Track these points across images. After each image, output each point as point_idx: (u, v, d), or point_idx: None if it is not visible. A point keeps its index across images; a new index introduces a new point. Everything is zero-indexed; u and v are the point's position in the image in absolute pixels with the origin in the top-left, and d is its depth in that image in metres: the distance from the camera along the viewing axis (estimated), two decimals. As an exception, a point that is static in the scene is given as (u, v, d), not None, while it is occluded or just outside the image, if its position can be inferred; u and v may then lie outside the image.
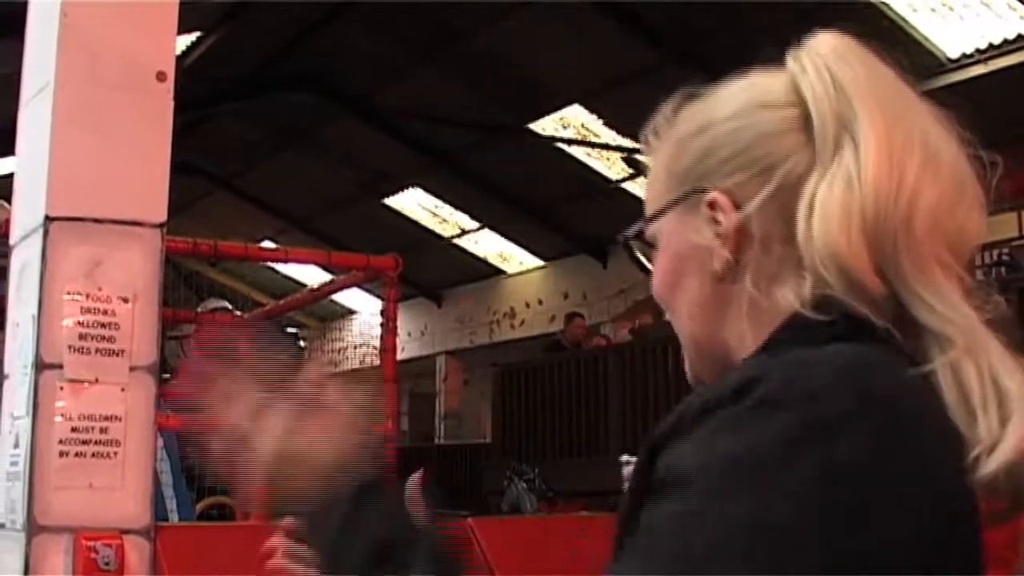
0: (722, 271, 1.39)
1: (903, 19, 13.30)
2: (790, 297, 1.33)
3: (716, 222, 1.39)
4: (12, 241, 2.81)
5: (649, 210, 1.50)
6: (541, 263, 22.27)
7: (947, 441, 1.25)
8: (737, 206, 1.38)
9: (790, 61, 1.44)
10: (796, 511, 1.14)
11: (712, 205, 1.39)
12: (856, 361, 1.25)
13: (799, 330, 1.33)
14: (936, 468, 1.23)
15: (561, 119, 17.71)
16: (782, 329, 1.35)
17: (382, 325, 5.86)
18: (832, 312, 1.30)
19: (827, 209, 1.31)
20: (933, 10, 13.37)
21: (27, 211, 2.74)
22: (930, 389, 1.27)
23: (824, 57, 1.42)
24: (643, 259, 1.54)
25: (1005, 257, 13.80)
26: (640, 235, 1.53)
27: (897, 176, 1.32)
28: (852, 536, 1.15)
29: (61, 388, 2.63)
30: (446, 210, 21.80)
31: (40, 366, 2.62)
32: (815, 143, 1.36)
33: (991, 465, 1.24)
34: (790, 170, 1.36)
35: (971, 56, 13.61)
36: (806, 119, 1.38)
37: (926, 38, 13.54)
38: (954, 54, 13.68)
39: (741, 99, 1.45)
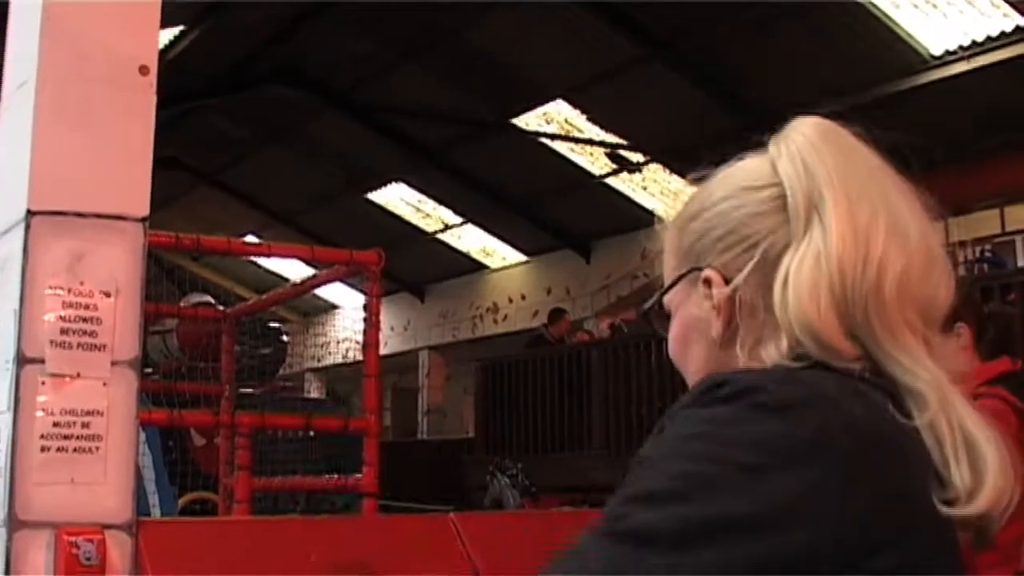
0: (718, 338, 1.55)
1: (887, 16, 13.33)
2: (773, 355, 1.47)
3: (710, 296, 1.55)
4: (-6, 235, 2.80)
5: (665, 284, 1.66)
6: (524, 258, 22.29)
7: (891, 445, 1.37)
8: (727, 281, 1.54)
9: (771, 145, 1.57)
10: (720, 470, 1.29)
11: (707, 282, 1.56)
12: (816, 373, 1.42)
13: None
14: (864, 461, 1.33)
15: (545, 114, 17.72)
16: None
17: (365, 320, 5.86)
18: (807, 362, 1.44)
19: (798, 282, 1.46)
20: (916, 7, 13.40)
21: (9, 205, 2.73)
22: (894, 421, 1.40)
23: (798, 144, 1.54)
24: (659, 328, 1.68)
25: (988, 254, 13.86)
26: (659, 305, 1.67)
27: (863, 250, 1.45)
28: (746, 494, 1.28)
29: (43, 383, 2.62)
30: (429, 205, 21.80)
31: (22, 361, 2.61)
32: (791, 223, 1.51)
33: (971, 509, 1.38)
34: (770, 246, 1.51)
35: (954, 53, 13.64)
36: (784, 199, 1.52)
37: (910, 35, 13.57)
38: (937, 51, 13.71)
39: (730, 183, 1.59)
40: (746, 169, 1.60)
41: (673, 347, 1.66)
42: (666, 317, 1.66)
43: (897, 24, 13.44)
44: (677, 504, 1.28)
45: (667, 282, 1.65)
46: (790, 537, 1.27)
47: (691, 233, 1.61)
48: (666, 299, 1.65)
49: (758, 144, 1.59)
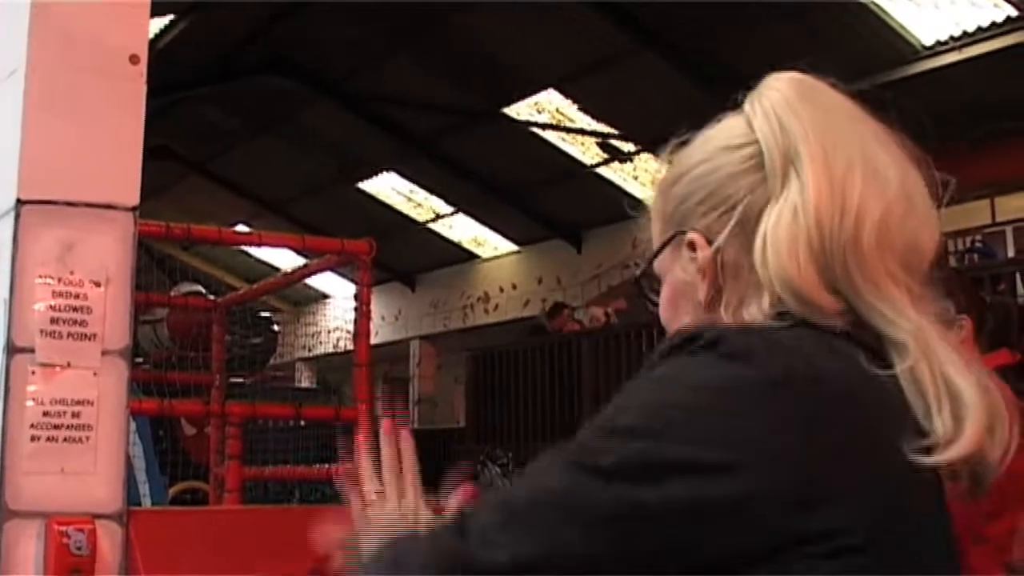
0: (705, 300, 1.56)
1: (878, 6, 13.33)
2: (756, 315, 1.49)
3: (695, 259, 1.57)
4: (-17, 224, 2.79)
5: (653, 251, 1.67)
6: (515, 248, 22.27)
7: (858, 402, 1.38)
8: (710, 243, 1.55)
9: (746, 104, 1.59)
10: (682, 412, 1.33)
11: (691, 245, 1.57)
12: (791, 331, 1.44)
13: None
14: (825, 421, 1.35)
15: (536, 104, 17.69)
16: None
17: (356, 309, 5.85)
18: (790, 320, 1.46)
19: (776, 239, 1.47)
20: (908, -3, 13.40)
21: (-2, 194, 2.72)
22: (875, 377, 1.41)
23: (772, 100, 1.55)
24: (650, 294, 1.70)
25: (978, 244, 13.87)
26: (648, 271, 1.69)
27: (840, 201, 1.46)
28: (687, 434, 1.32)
29: (33, 372, 2.62)
30: (420, 194, 21.77)
31: (11, 350, 2.60)
32: (768, 180, 1.52)
33: (950, 454, 1.38)
34: (750, 205, 1.52)
35: (945, 43, 13.64)
36: (761, 157, 1.53)
37: (901, 25, 13.57)
38: (929, 41, 13.71)
39: (708, 145, 1.61)
40: (723, 129, 1.61)
41: (663, 311, 1.67)
42: (657, 283, 1.68)
43: (889, 14, 13.44)
44: (639, 440, 1.32)
45: (654, 248, 1.66)
46: (743, 477, 1.29)
47: (674, 198, 1.62)
48: (655, 265, 1.67)
49: (735, 104, 1.61)
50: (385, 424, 1.88)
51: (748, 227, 1.51)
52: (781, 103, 1.55)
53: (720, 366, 1.36)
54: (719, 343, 1.38)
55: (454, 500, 1.77)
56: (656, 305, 1.70)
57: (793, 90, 1.56)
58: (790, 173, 1.50)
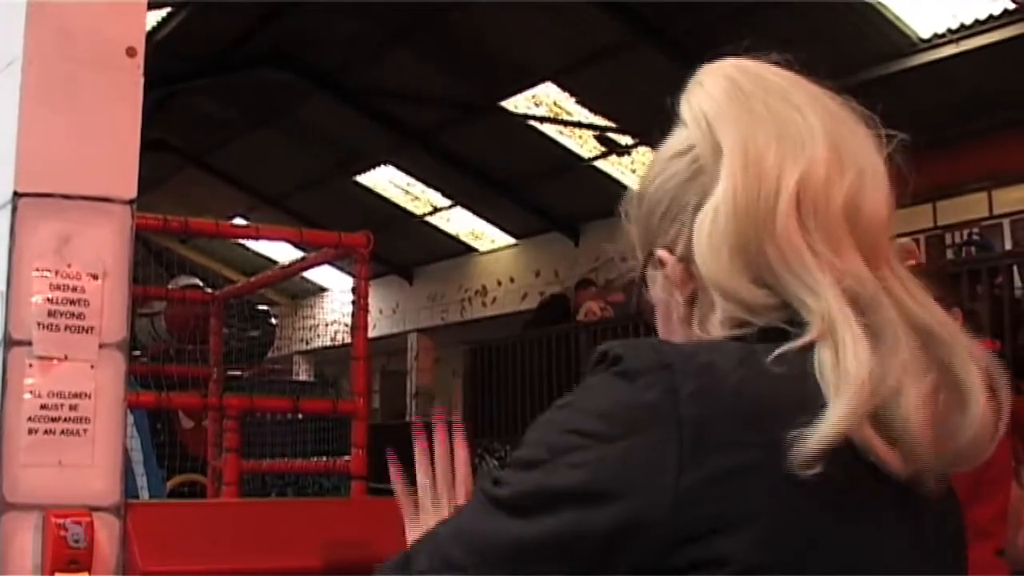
0: (685, 318, 1.53)
1: (880, 2, 13.32)
2: (716, 329, 1.45)
3: (667, 276, 1.54)
4: (-20, 217, 2.79)
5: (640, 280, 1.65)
6: (513, 241, 22.28)
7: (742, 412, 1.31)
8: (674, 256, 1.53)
9: (682, 104, 1.56)
10: (567, 439, 1.32)
11: (660, 262, 1.55)
12: (707, 344, 1.42)
13: None
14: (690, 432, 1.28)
15: (533, 97, 17.69)
16: None
17: (353, 303, 5.85)
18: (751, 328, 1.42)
19: (699, 241, 1.44)
20: (906, -10, 13.40)
21: (-5, 187, 2.72)
22: (782, 375, 1.34)
23: (698, 99, 1.53)
24: (652, 322, 1.67)
25: (975, 237, 13.87)
26: (644, 301, 1.65)
27: (756, 183, 1.41)
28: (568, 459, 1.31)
29: (30, 365, 2.62)
30: (418, 188, 21.77)
31: (8, 343, 2.60)
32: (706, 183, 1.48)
33: (808, 444, 1.28)
34: (697, 207, 1.48)
35: (943, 36, 13.64)
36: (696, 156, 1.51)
37: (898, 17, 13.56)
38: (926, 34, 13.71)
39: (662, 153, 1.58)
40: (672, 136, 1.57)
41: (660, 335, 1.62)
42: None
43: (886, 7, 13.43)
44: (532, 471, 1.33)
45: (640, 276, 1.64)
46: (621, 508, 1.27)
47: (643, 216, 1.60)
48: (649, 293, 1.63)
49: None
50: (439, 433, 1.93)
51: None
52: (706, 99, 1.51)
53: (613, 387, 1.33)
54: (619, 361, 1.35)
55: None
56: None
57: (717, 82, 1.53)
58: (719, 170, 1.45)
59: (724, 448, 1.28)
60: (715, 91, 1.51)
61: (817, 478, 1.27)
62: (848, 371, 1.32)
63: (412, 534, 1.83)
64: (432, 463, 1.93)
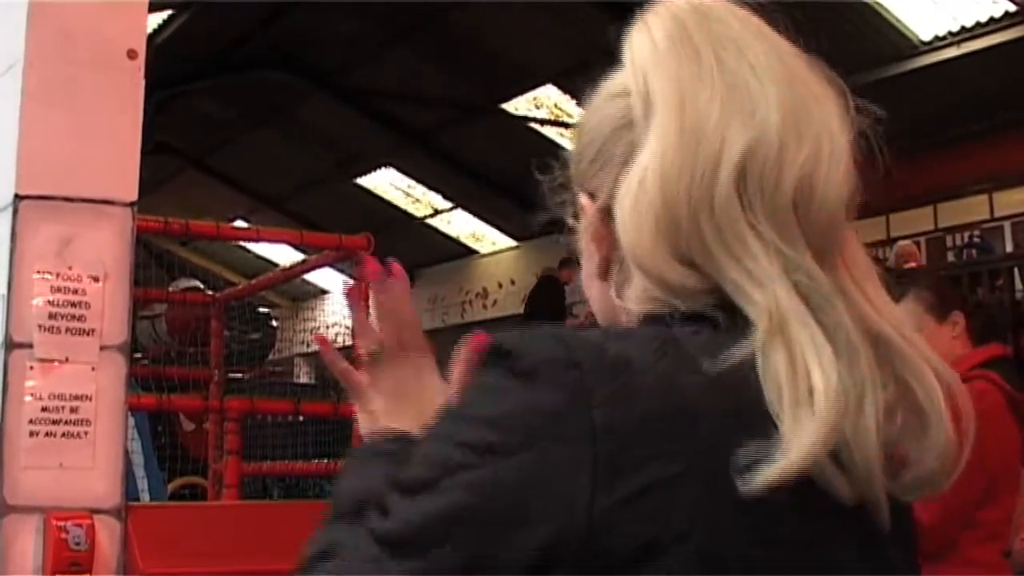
0: (599, 272, 1.35)
1: (876, 1, 13.33)
2: (632, 301, 1.26)
3: (587, 226, 1.36)
4: (-19, 219, 2.80)
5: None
6: (514, 243, 22.27)
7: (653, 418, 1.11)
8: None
9: (624, 42, 1.36)
10: (457, 454, 1.12)
11: (583, 204, 1.37)
12: (619, 332, 1.23)
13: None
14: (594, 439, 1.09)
15: (534, 99, 17.70)
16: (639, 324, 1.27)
17: (354, 305, 5.84)
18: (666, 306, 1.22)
19: (622, 208, 1.24)
20: (907, -7, 13.40)
21: (-4, 189, 2.72)
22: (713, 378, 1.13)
23: (638, 41, 1.33)
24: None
25: (976, 239, 13.87)
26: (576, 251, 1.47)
27: (692, 149, 1.20)
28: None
29: (31, 367, 2.62)
30: (419, 190, 21.77)
31: (9, 345, 2.60)
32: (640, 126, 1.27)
33: (769, 473, 1.09)
34: (623, 162, 1.28)
35: (944, 39, 13.65)
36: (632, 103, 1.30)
37: (899, 20, 13.57)
38: (927, 36, 13.72)
39: (600, 91, 1.39)
40: (612, 75, 1.38)
41: (586, 293, 1.42)
42: None
43: (887, 9, 13.44)
44: (418, 497, 1.12)
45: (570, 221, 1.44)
46: (525, 536, 1.08)
47: (574, 159, 1.40)
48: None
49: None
50: (369, 266, 1.64)
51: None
52: (646, 43, 1.30)
53: (507, 389, 1.12)
54: (514, 356, 1.13)
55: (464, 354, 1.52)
56: None
57: (663, 24, 1.30)
58: (650, 127, 1.24)
59: (646, 461, 1.09)
60: (658, 34, 1.29)
61: (758, 497, 1.09)
62: (815, 386, 1.12)
63: (364, 418, 1.57)
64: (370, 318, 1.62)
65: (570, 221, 1.45)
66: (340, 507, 1.34)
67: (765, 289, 1.16)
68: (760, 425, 1.11)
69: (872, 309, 1.22)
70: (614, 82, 1.36)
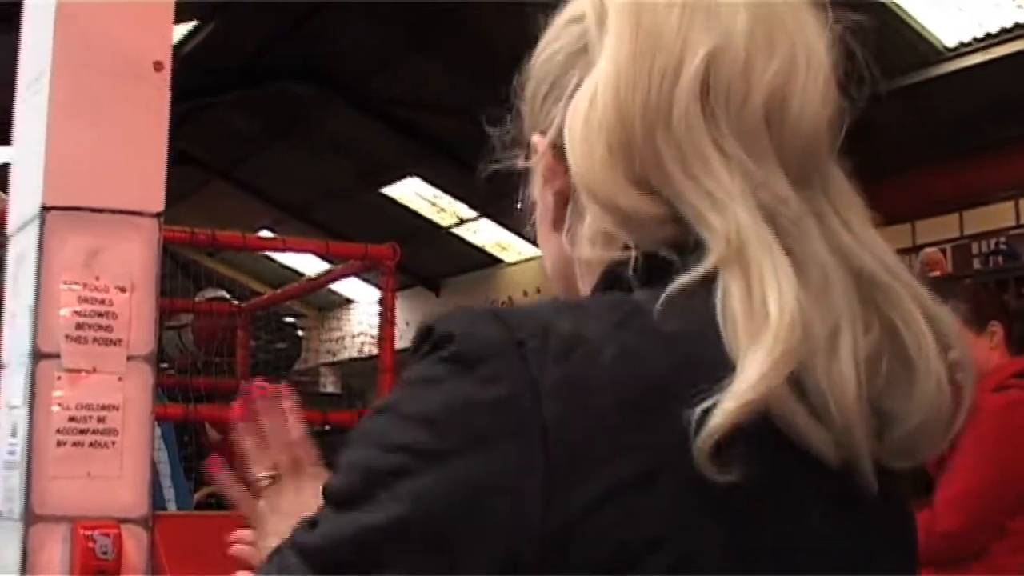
0: (555, 222, 1.21)
1: (900, 7, 13.30)
2: (585, 245, 1.13)
3: (538, 168, 1.23)
4: (9, 231, 2.81)
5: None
6: (539, 252, 22.26)
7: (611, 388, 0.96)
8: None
9: None
10: (390, 459, 0.98)
11: (533, 150, 1.23)
12: (568, 303, 1.07)
13: (598, 288, 1.12)
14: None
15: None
16: (596, 287, 1.14)
17: (380, 315, 5.86)
18: (618, 251, 1.08)
19: (571, 130, 1.11)
20: (931, -1, 13.37)
21: (24, 200, 2.73)
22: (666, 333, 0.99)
23: None
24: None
25: (1003, 246, 13.82)
26: (527, 203, 1.33)
27: (648, 59, 1.07)
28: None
29: (58, 378, 2.63)
30: (444, 199, 21.78)
31: (37, 356, 2.61)
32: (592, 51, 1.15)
33: (716, 418, 0.94)
34: (576, 89, 1.15)
35: (969, 45, 13.60)
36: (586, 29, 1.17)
37: (924, 27, 13.53)
38: (952, 43, 13.67)
39: (553, 24, 1.26)
40: (570, 3, 1.24)
41: (542, 254, 1.30)
42: None
43: (911, 16, 13.41)
44: (346, 511, 0.99)
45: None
46: (468, 555, 0.94)
47: (528, 95, 1.27)
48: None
49: None
50: (255, 389, 1.53)
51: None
52: None
53: (443, 380, 0.98)
54: (449, 341, 0.99)
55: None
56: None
57: None
58: (602, 43, 1.12)
59: (608, 458, 0.95)
60: None
61: (730, 477, 0.94)
62: (768, 312, 0.97)
63: (265, 543, 1.47)
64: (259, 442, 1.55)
65: (522, 168, 1.30)
66: None
67: (725, 211, 1.02)
68: (721, 373, 0.96)
69: (854, 240, 1.07)
70: (568, 9, 1.24)
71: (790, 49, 1.10)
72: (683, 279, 1.01)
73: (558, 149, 1.15)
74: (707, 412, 0.94)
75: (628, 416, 0.96)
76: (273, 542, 1.31)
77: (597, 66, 1.10)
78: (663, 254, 1.04)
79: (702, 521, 0.95)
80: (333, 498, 1.02)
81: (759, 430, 0.95)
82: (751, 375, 0.94)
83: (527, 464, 0.94)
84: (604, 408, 0.95)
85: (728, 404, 0.93)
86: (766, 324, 0.97)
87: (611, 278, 1.09)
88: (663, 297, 1.00)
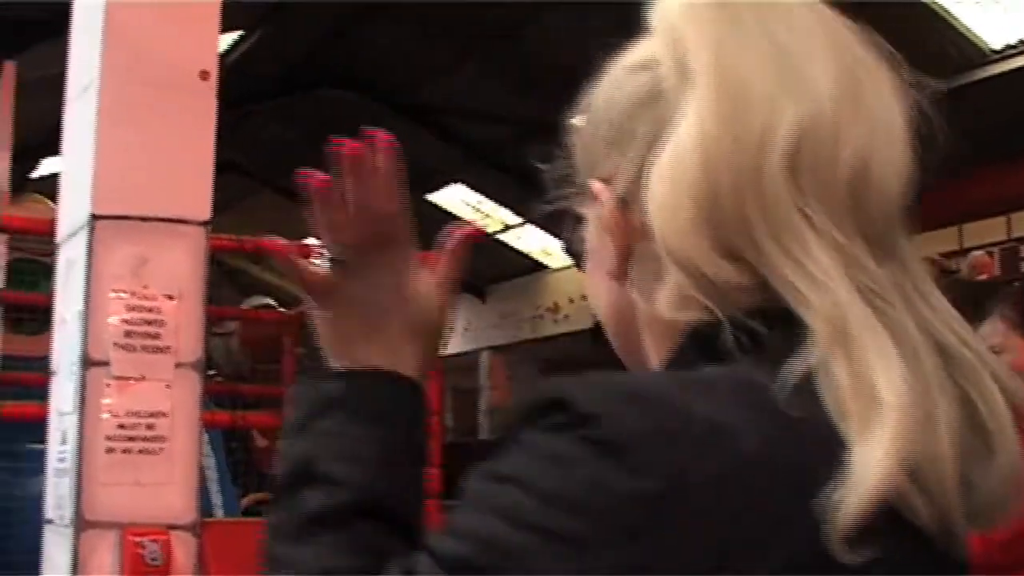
0: (615, 274, 1.18)
1: (946, 10, 13.24)
2: (662, 304, 1.08)
3: (600, 216, 1.18)
4: (58, 239, 2.84)
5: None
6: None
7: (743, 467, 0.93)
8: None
9: (652, 8, 1.19)
10: (528, 539, 0.91)
11: (594, 198, 1.18)
12: (695, 384, 1.00)
13: (685, 349, 1.08)
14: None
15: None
16: (674, 349, 1.10)
17: (425, 321, 5.86)
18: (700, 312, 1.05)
19: (655, 192, 1.06)
20: (976, 1, 13.29)
21: (73, 209, 2.76)
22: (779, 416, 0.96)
23: (669, 4, 1.16)
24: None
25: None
26: (576, 247, 1.31)
27: (736, 123, 1.04)
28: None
29: (108, 385, 2.64)
30: (489, 206, 21.79)
31: (87, 363, 2.63)
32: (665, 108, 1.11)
33: (849, 506, 0.92)
34: (651, 145, 1.10)
35: (1015, 47, 13.53)
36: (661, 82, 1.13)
37: (968, 29, 13.48)
38: (997, 45, 13.61)
39: (617, 64, 1.23)
40: (633, 48, 1.22)
41: (590, 297, 1.28)
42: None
43: (956, 18, 13.35)
44: None
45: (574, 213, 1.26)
46: None
47: (586, 133, 1.24)
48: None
49: None
50: (349, 144, 1.37)
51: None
52: (681, 9, 1.14)
53: (588, 464, 0.91)
54: (593, 422, 0.93)
55: (451, 241, 1.38)
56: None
57: None
58: (684, 97, 1.08)
59: (758, 552, 0.91)
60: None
61: (862, 558, 0.92)
62: (878, 396, 0.95)
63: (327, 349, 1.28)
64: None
65: (574, 213, 1.27)
66: (287, 477, 1.14)
67: (824, 290, 0.99)
68: (842, 458, 0.94)
69: (934, 314, 1.06)
70: (637, 53, 1.20)
71: (871, 115, 1.07)
72: (795, 363, 0.98)
73: (625, 203, 1.13)
74: (836, 499, 0.92)
75: (773, 507, 0.93)
76: (333, 349, 1.24)
77: (680, 125, 1.06)
78: (753, 325, 1.02)
79: None
80: (446, 563, 0.94)
81: (880, 511, 0.93)
82: (873, 461, 0.93)
83: (682, 560, 0.89)
84: (754, 502, 0.92)
85: (857, 491, 0.91)
86: (877, 409, 0.95)
87: (698, 342, 1.07)
88: (781, 381, 0.97)
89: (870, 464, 0.92)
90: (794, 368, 0.97)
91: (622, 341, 1.22)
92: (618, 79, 1.20)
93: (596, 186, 1.17)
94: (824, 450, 0.95)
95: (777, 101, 1.03)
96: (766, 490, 0.92)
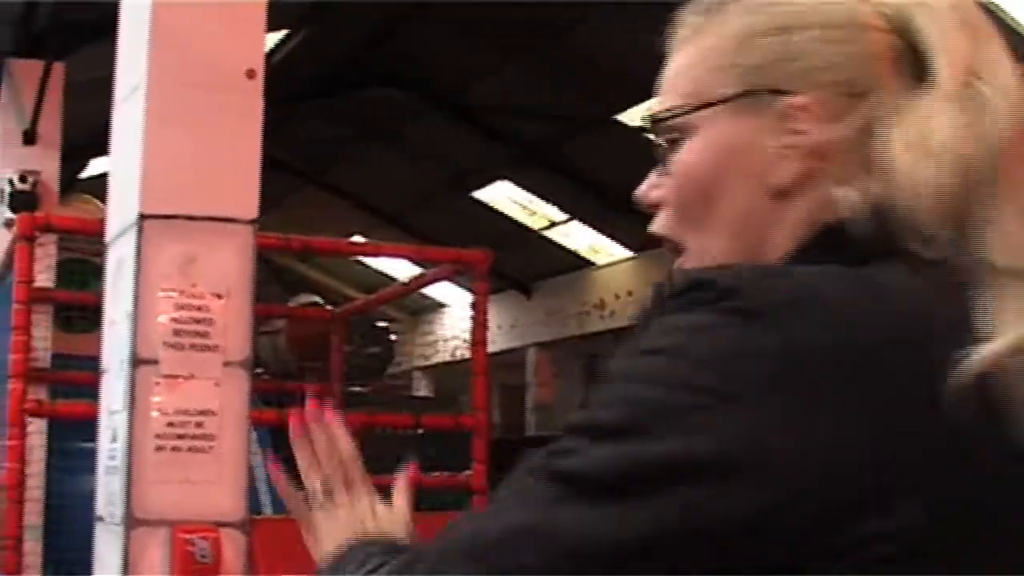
0: (780, 186, 1.20)
1: (993, 3, 13.15)
2: (844, 205, 1.14)
3: (795, 132, 1.20)
4: (107, 239, 2.85)
5: (683, 98, 1.29)
6: (631, 254, 22.19)
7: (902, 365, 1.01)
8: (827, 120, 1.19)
9: None
10: (678, 396, 0.99)
11: (801, 111, 1.20)
12: (836, 272, 1.08)
13: (825, 245, 1.16)
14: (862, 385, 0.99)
15: (649, 109, 17.61)
16: (811, 240, 1.18)
17: (472, 318, 5.87)
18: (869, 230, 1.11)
19: (903, 157, 1.12)
20: (1026, -6, 13.21)
21: (122, 209, 2.77)
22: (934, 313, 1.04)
23: None
24: (658, 158, 1.33)
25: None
26: (664, 120, 1.31)
27: (978, 96, 1.13)
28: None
29: (157, 383, 2.66)
30: (535, 203, 21.77)
31: (136, 362, 2.65)
32: (906, 74, 1.19)
33: (979, 356, 0.99)
34: (881, 100, 1.17)
35: (1064, 40, 13.43)
36: (901, 49, 1.20)
37: (1015, 20, 13.38)
38: (1047, 38, 13.51)
39: (835, 14, 1.24)
40: (851, 7, 1.24)
41: (687, 183, 1.28)
42: (673, 139, 1.29)
43: (1004, 12, 13.26)
44: (625, 441, 0.99)
45: (698, 95, 1.27)
46: (758, 484, 0.96)
47: (764, 50, 1.24)
48: (683, 119, 1.28)
49: None
50: (309, 407, 1.54)
51: (871, 122, 1.16)
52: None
53: (732, 330, 1.00)
54: (734, 294, 1.01)
55: (400, 483, 1.54)
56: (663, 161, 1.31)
57: None
58: (922, 70, 1.17)
59: (879, 402, 0.99)
60: None
61: (975, 428, 0.98)
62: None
63: (319, 548, 1.49)
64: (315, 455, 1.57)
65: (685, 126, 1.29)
66: None
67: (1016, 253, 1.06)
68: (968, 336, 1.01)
69: None
70: (860, 12, 1.24)
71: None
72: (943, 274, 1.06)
73: (846, 144, 1.18)
74: (961, 361, 0.98)
75: (896, 363, 1.00)
76: (328, 547, 1.43)
77: (927, 96, 1.14)
78: (916, 248, 1.08)
79: (956, 469, 0.99)
80: (601, 430, 1.01)
81: (993, 393, 0.99)
82: (996, 345, 0.99)
83: (814, 405, 0.97)
84: (876, 359, 1.00)
85: (984, 350, 0.98)
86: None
87: (828, 238, 1.16)
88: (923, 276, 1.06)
89: (994, 344, 0.99)
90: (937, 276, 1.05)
91: (744, 244, 1.24)
92: (845, 28, 1.23)
93: (810, 104, 1.20)
94: (953, 317, 1.02)
95: (999, 89, 1.14)
96: (893, 353, 1.00)
